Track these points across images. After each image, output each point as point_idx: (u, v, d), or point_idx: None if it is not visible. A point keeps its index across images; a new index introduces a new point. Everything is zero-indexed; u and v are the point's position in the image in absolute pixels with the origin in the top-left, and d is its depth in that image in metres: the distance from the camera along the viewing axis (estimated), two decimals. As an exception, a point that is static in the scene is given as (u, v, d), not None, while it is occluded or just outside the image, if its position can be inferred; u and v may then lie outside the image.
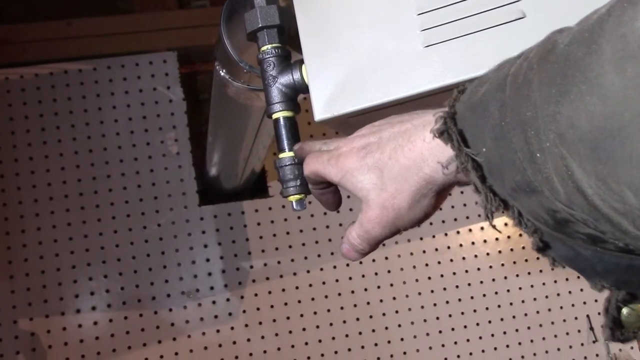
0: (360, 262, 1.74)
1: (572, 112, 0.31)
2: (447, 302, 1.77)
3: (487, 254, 1.79)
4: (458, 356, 1.75)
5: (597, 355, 1.78)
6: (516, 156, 0.36)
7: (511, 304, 1.79)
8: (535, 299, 1.79)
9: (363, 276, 1.73)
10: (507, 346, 1.77)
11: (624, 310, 0.41)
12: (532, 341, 1.78)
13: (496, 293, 1.79)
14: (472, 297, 1.78)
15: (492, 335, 1.77)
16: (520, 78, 0.36)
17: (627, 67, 0.29)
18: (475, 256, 1.79)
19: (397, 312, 1.74)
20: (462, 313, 1.77)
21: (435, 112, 0.45)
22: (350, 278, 1.73)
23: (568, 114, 0.32)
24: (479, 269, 1.79)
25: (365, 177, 0.48)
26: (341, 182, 0.50)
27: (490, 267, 1.79)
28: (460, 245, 1.79)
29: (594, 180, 0.32)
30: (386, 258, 1.75)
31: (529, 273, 1.79)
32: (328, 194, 0.58)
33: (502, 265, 1.79)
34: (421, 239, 1.77)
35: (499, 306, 1.78)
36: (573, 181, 0.33)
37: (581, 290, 1.80)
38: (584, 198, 0.33)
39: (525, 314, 1.79)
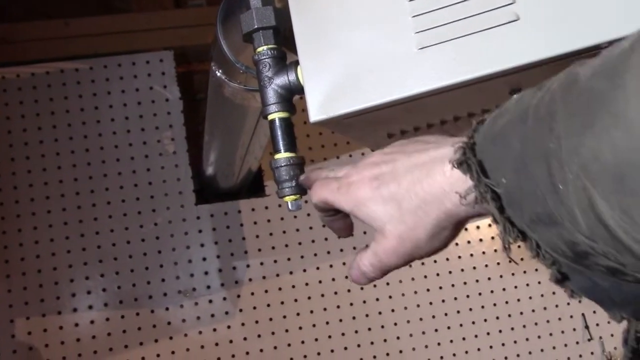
0: (357, 261, 1.74)
1: (597, 144, 0.32)
2: (443, 300, 1.77)
3: (483, 252, 1.80)
4: (454, 354, 1.76)
5: (592, 353, 1.79)
6: (537, 188, 0.36)
7: (507, 302, 1.79)
8: (530, 298, 1.80)
9: (359, 275, 1.73)
10: (503, 344, 1.78)
11: None
12: (527, 339, 1.79)
13: (492, 291, 1.79)
14: (467, 296, 1.78)
15: (488, 333, 1.78)
16: (542, 110, 0.36)
17: None
18: (471, 255, 1.80)
19: (393, 310, 1.74)
20: (458, 312, 1.77)
21: (453, 141, 0.45)
22: (346, 277, 1.72)
23: (592, 146, 0.32)
24: (474, 267, 1.79)
25: (380, 207, 0.48)
26: (353, 212, 0.50)
27: (486, 265, 1.80)
28: (456, 244, 1.79)
29: (618, 212, 0.32)
30: (382, 257, 1.75)
31: (524, 272, 1.80)
32: (338, 221, 0.58)
33: (498, 264, 1.80)
34: (417, 238, 1.77)
35: (494, 304, 1.79)
36: (595, 213, 0.33)
37: (576, 288, 1.80)
38: (606, 230, 0.33)
39: (521, 313, 1.80)
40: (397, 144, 0.51)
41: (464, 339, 1.77)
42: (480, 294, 1.79)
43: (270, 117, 0.63)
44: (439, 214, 0.45)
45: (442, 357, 1.75)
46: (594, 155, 0.32)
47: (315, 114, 0.58)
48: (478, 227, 1.80)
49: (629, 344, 0.41)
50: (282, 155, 0.62)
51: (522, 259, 1.78)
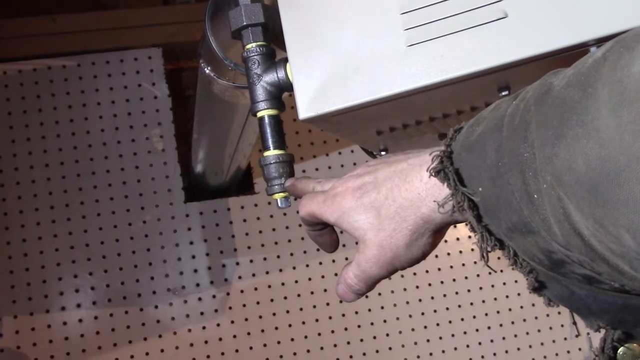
0: (346, 259, 1.74)
1: (569, 154, 0.32)
2: (432, 297, 1.78)
3: (472, 249, 1.80)
4: (443, 351, 1.77)
5: (579, 349, 1.80)
6: (513, 197, 0.37)
7: (495, 299, 1.80)
8: (519, 294, 1.81)
9: (349, 272, 1.74)
10: (491, 341, 1.79)
11: (620, 350, 0.41)
12: (515, 336, 1.80)
13: (480, 288, 1.80)
14: (456, 293, 1.79)
15: (477, 330, 1.79)
16: (517, 119, 0.37)
17: (623, 111, 0.30)
18: (460, 252, 1.80)
19: (382, 307, 1.75)
20: (447, 308, 1.78)
21: (431, 150, 0.45)
22: (336, 274, 1.73)
23: (565, 156, 0.32)
24: (463, 264, 1.80)
25: (362, 216, 0.48)
26: (337, 222, 0.50)
27: (475, 262, 1.80)
28: (445, 241, 1.80)
29: (591, 222, 0.32)
30: (372, 254, 1.75)
31: (512, 268, 1.80)
32: (325, 235, 0.58)
33: (487, 261, 1.81)
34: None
35: (483, 301, 1.80)
36: (570, 223, 0.33)
37: (564, 285, 1.82)
38: (581, 239, 0.33)
39: (509, 309, 1.80)
40: (383, 156, 0.52)
41: (452, 335, 1.78)
42: (468, 290, 1.80)
43: (259, 114, 0.63)
44: (416, 220, 0.45)
45: (431, 354, 1.76)
46: (566, 166, 0.32)
47: (305, 111, 0.58)
48: (467, 224, 1.81)
49: (605, 352, 0.41)
50: (271, 153, 0.62)
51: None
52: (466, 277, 1.80)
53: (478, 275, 1.80)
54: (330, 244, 0.60)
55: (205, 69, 0.87)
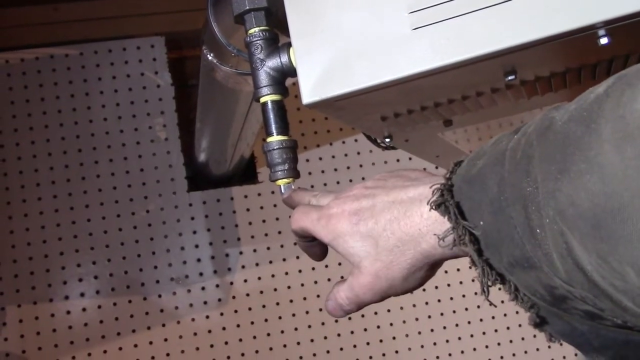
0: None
1: (572, 190, 0.32)
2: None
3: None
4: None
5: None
6: (515, 231, 0.36)
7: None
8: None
9: (352, 262, 1.73)
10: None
11: None
12: (511, 341, 1.79)
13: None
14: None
15: (472, 335, 1.78)
16: (519, 153, 0.37)
17: (626, 147, 0.30)
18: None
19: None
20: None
21: (431, 181, 0.45)
22: (339, 264, 1.73)
23: (568, 191, 0.32)
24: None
25: (358, 244, 0.48)
26: (331, 244, 0.50)
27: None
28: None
29: (595, 257, 0.32)
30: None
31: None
32: (315, 247, 0.58)
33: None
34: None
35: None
36: (573, 258, 0.33)
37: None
38: (584, 275, 0.33)
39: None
40: (379, 177, 0.51)
41: (459, 338, 1.77)
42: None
43: (262, 99, 0.62)
44: (415, 255, 0.45)
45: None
46: (570, 201, 0.32)
47: (308, 96, 0.57)
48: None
49: None
50: (275, 139, 0.61)
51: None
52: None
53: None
54: (319, 254, 0.60)
55: (208, 55, 0.87)
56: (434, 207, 0.42)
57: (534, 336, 1.78)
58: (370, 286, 0.48)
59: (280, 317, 1.70)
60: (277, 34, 0.63)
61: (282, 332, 1.69)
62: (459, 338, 1.77)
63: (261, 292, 1.70)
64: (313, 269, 1.72)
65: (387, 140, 0.80)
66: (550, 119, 0.36)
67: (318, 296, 1.71)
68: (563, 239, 0.33)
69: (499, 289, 0.42)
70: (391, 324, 1.75)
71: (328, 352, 1.69)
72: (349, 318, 1.72)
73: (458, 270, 1.78)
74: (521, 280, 0.39)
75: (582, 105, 0.34)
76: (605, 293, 0.33)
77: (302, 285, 1.71)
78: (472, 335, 1.78)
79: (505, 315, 1.79)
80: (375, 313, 1.74)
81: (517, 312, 1.79)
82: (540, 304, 0.40)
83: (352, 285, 0.50)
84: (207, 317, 1.67)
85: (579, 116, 0.33)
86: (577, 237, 0.32)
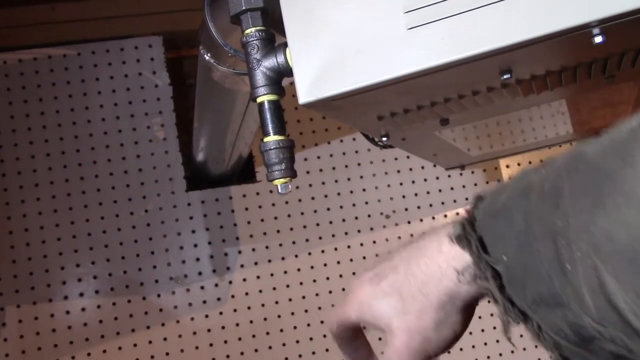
0: (348, 247, 1.74)
1: (609, 223, 0.31)
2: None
3: (491, 314, 1.76)
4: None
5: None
6: (542, 266, 0.35)
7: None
8: None
9: (351, 260, 1.74)
10: (485, 344, 1.76)
11: None
12: (497, 341, 1.76)
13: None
14: None
15: (470, 333, 1.76)
16: (547, 186, 0.36)
17: None
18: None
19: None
20: None
21: (450, 223, 0.43)
22: (338, 262, 1.73)
23: (604, 225, 0.31)
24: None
25: (383, 302, 0.45)
26: (360, 317, 0.48)
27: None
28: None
29: (631, 294, 0.31)
30: (374, 242, 1.75)
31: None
32: (359, 348, 0.54)
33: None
34: (409, 222, 1.78)
35: (489, 301, 1.77)
36: (605, 294, 0.32)
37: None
38: (617, 313, 0.32)
39: (491, 314, 1.76)
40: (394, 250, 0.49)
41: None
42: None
43: (259, 99, 0.62)
44: (439, 295, 0.43)
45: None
46: (606, 235, 0.31)
47: (304, 96, 0.57)
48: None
49: None
50: (271, 138, 0.61)
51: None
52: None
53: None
54: (367, 354, 0.55)
55: (205, 55, 0.87)
56: (454, 241, 0.41)
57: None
58: (406, 346, 0.45)
59: (279, 316, 1.70)
60: (274, 34, 0.64)
61: (281, 330, 1.69)
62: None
63: (260, 291, 1.70)
64: (312, 267, 1.72)
65: (384, 139, 0.80)
66: (580, 152, 0.35)
67: (317, 294, 1.71)
68: (596, 274, 0.32)
69: (517, 323, 0.41)
70: None
71: (327, 350, 1.69)
72: (348, 316, 1.72)
73: (470, 333, 1.76)
74: (545, 319, 0.38)
75: (616, 139, 0.33)
76: (638, 333, 0.32)
77: (301, 283, 1.72)
78: (470, 333, 1.78)
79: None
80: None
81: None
82: (564, 344, 0.38)
83: (389, 355, 0.46)
84: (206, 316, 1.67)
85: (613, 149, 0.33)
86: (612, 272, 0.31)
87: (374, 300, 0.46)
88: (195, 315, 1.67)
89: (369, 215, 1.76)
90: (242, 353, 1.67)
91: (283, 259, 1.72)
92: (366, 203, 1.77)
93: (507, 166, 1.84)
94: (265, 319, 1.69)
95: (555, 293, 0.35)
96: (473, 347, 1.78)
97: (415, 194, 1.79)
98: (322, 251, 1.73)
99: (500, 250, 0.38)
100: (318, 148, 1.78)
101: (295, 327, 1.70)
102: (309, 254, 1.73)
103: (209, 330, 1.67)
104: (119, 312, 1.63)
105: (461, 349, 1.76)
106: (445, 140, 0.98)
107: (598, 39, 0.50)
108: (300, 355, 1.69)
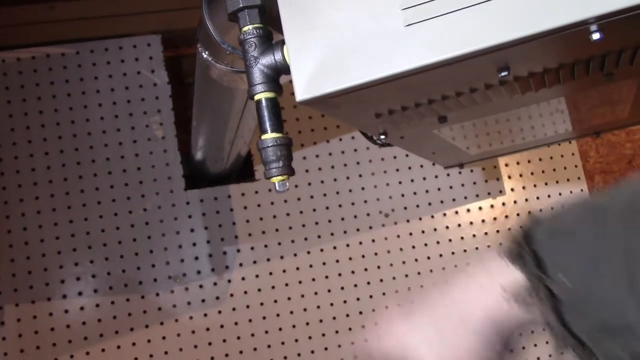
0: (347, 245, 1.74)
1: None
2: (434, 284, 1.77)
3: (474, 235, 1.80)
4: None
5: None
6: (611, 290, 0.32)
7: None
8: None
9: (350, 259, 1.74)
10: None
11: None
12: None
13: (538, 359, 1.75)
14: None
15: None
16: (620, 206, 0.33)
17: None
18: (462, 238, 1.80)
19: (384, 294, 1.75)
20: None
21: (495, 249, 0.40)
22: (337, 261, 1.73)
23: None
24: (465, 250, 1.80)
25: (417, 338, 0.43)
26: (394, 353, 0.45)
27: (477, 248, 1.80)
28: (447, 227, 1.80)
29: None
30: (373, 240, 1.75)
31: None
32: None
33: (488, 247, 1.80)
34: (408, 221, 1.78)
35: None
36: None
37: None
38: None
39: None
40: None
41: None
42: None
43: (256, 97, 0.62)
44: (482, 327, 0.39)
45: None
46: None
47: (301, 93, 0.57)
48: (469, 210, 1.80)
49: None
50: (269, 136, 0.61)
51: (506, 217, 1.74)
52: (468, 264, 1.78)
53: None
54: None
55: (203, 53, 0.87)
56: (505, 255, 0.37)
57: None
58: None
59: (278, 315, 1.70)
60: (271, 31, 0.63)
61: (280, 329, 1.69)
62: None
63: (259, 289, 1.70)
64: (310, 266, 1.72)
65: (383, 137, 0.80)
66: None
67: (316, 293, 1.71)
68: None
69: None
70: (387, 308, 1.74)
71: (326, 349, 1.69)
72: (347, 315, 1.72)
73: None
74: (603, 347, 0.35)
75: None
76: None
77: (300, 282, 1.71)
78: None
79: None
80: (373, 310, 1.74)
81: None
82: None
83: None
84: (205, 315, 1.67)
85: None
86: None
87: (408, 334, 0.44)
88: (194, 314, 1.67)
89: (368, 214, 1.76)
90: (240, 352, 1.67)
91: (282, 257, 1.72)
92: (365, 202, 1.77)
93: (506, 165, 1.84)
94: (264, 317, 1.69)
95: (622, 320, 0.32)
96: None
97: (414, 193, 1.79)
98: (321, 250, 1.73)
99: (562, 272, 0.35)
100: (317, 147, 1.78)
101: (294, 326, 1.70)
102: (308, 252, 1.73)
103: (207, 329, 1.67)
104: (117, 311, 1.63)
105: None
106: (444, 139, 0.98)
107: (595, 36, 0.50)
108: (299, 354, 1.69)
